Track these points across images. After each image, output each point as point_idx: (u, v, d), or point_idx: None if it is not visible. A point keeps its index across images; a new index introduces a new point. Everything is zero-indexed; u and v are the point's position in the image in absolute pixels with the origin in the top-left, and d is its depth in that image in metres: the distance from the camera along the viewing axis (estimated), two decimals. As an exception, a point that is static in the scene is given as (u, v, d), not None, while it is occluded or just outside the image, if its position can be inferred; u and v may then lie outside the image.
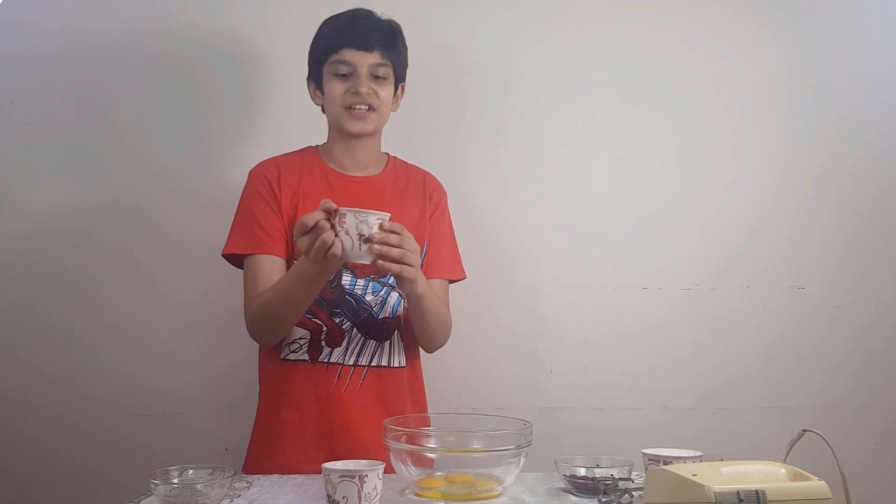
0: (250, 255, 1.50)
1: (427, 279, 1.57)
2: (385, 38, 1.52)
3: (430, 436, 1.37)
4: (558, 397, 1.96)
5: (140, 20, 1.89)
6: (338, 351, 1.51)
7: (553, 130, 1.97)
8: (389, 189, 1.60)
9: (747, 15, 2.00)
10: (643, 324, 1.97)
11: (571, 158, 1.97)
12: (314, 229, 1.27)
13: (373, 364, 1.53)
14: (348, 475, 1.16)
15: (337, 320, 1.51)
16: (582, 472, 1.34)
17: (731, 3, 1.99)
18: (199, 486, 1.18)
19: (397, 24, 1.56)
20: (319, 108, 1.60)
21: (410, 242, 1.33)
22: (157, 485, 1.17)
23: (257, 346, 1.64)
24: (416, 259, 1.35)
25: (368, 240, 1.28)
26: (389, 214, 1.30)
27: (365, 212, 1.28)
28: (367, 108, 1.51)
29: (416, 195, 1.62)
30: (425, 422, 1.48)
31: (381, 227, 1.29)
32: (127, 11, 1.89)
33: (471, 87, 1.89)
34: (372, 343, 1.53)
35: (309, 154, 1.60)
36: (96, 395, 1.88)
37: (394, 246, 1.30)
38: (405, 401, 1.57)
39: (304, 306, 1.46)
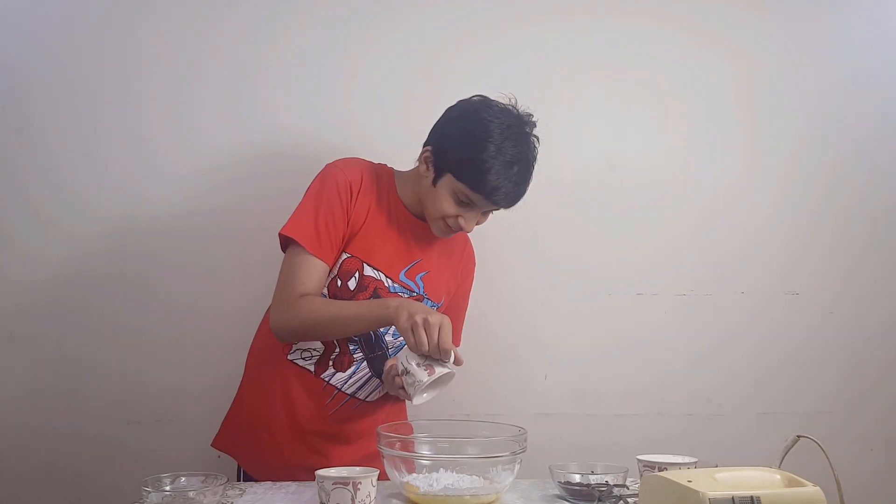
0: (301, 248, 1.44)
1: None
2: (520, 194, 1.47)
3: (424, 442, 1.36)
4: (553, 403, 1.96)
5: (138, 27, 1.88)
6: (341, 376, 1.51)
7: (547, 135, 1.96)
8: (438, 244, 1.59)
9: (753, 18, 2.00)
10: (638, 329, 1.97)
11: (567, 163, 1.97)
12: (441, 341, 1.31)
13: (368, 399, 1.55)
14: (342, 482, 1.16)
15: (351, 347, 1.51)
16: (577, 478, 1.33)
17: (736, 6, 2.00)
18: (191, 494, 1.18)
19: (536, 151, 1.48)
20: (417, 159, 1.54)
21: None
22: (149, 492, 1.17)
23: (248, 352, 1.63)
24: None
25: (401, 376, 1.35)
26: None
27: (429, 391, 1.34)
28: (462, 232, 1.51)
29: (454, 259, 1.65)
30: (419, 428, 1.48)
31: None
32: (124, 19, 1.89)
33: (463, 93, 1.87)
34: (375, 381, 1.54)
35: (386, 180, 1.56)
36: (88, 403, 1.86)
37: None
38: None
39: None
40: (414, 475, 1.29)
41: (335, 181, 1.48)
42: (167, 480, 1.21)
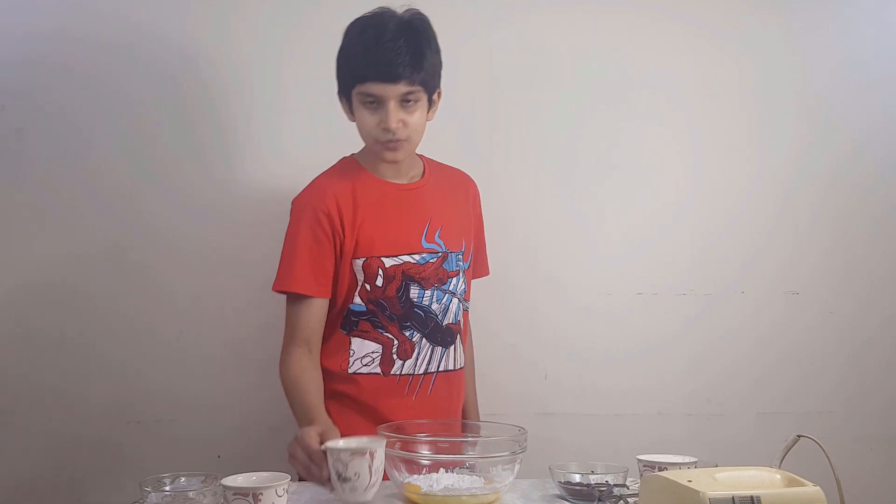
0: (296, 295, 1.47)
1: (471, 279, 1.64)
2: (411, 62, 1.40)
3: (424, 442, 1.36)
4: (553, 403, 1.96)
5: (137, 27, 1.88)
6: (409, 363, 1.51)
7: (546, 135, 1.97)
8: (437, 195, 1.58)
9: (753, 18, 2.00)
10: (638, 329, 1.97)
11: (567, 163, 1.97)
12: (310, 457, 1.20)
13: (440, 369, 1.55)
14: (359, 452, 1.15)
15: (407, 333, 1.51)
16: (577, 478, 1.33)
17: (736, 8, 2.00)
18: (191, 494, 1.18)
19: (422, 24, 1.44)
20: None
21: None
22: (149, 492, 1.17)
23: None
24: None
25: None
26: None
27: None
28: (397, 140, 1.45)
29: (460, 200, 1.64)
30: (420, 428, 1.48)
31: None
32: (122, 19, 1.88)
33: (462, 91, 1.88)
34: (439, 349, 1.54)
35: (351, 168, 1.54)
36: (88, 403, 1.86)
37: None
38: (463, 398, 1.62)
39: None
40: (414, 475, 1.29)
41: (307, 218, 1.47)
42: (167, 480, 1.21)
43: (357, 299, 1.49)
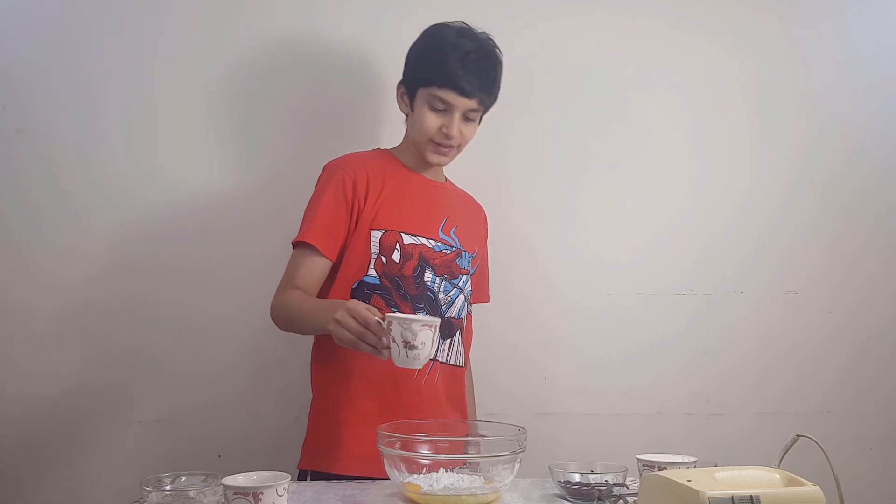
0: (305, 248, 1.50)
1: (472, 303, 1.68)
2: (487, 83, 1.54)
3: (424, 442, 1.36)
4: (552, 403, 1.96)
5: (138, 29, 1.89)
6: None
7: (546, 136, 1.97)
8: (456, 200, 1.68)
9: (755, 20, 2.01)
10: (637, 329, 1.98)
11: (567, 163, 1.97)
12: (366, 325, 1.28)
13: (443, 361, 1.57)
14: (428, 324, 1.26)
15: (421, 315, 1.53)
16: (576, 477, 1.33)
17: (736, 8, 2.00)
18: (191, 494, 1.18)
19: (499, 53, 1.57)
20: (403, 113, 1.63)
21: None
22: (150, 492, 1.17)
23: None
24: None
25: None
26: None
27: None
28: (450, 146, 1.55)
29: (473, 218, 1.73)
30: (420, 428, 1.48)
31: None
32: (119, 17, 1.89)
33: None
34: (447, 342, 1.58)
35: (385, 154, 1.63)
36: (89, 402, 1.86)
37: None
38: (463, 398, 1.64)
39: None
40: (414, 475, 1.29)
41: (335, 180, 1.53)
42: (167, 480, 1.21)
43: (372, 271, 1.52)
